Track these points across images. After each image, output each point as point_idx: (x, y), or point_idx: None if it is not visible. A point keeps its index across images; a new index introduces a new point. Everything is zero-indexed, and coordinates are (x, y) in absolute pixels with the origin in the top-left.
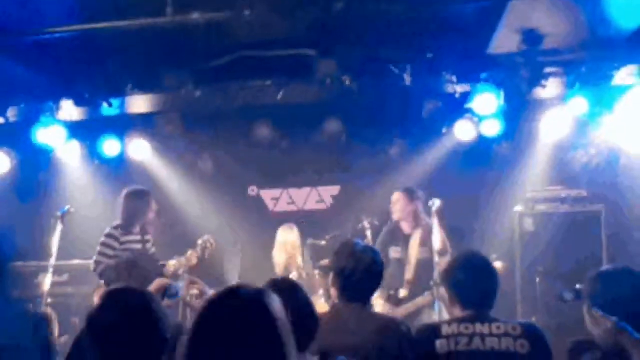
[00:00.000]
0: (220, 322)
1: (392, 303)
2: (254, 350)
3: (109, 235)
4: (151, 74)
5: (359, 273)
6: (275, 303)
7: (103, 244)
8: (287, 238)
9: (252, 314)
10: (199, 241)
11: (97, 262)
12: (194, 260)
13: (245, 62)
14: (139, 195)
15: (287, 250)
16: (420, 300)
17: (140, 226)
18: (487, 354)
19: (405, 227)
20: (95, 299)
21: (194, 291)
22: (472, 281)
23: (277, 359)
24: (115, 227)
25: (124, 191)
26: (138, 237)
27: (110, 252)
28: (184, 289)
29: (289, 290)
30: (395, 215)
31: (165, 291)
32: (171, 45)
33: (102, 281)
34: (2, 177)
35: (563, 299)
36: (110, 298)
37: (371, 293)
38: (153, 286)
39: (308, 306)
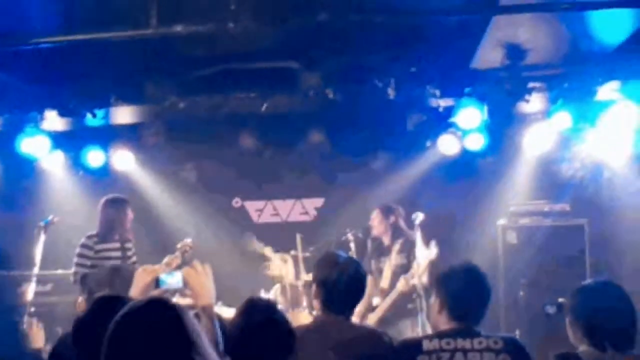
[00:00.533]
0: (131, 342)
1: (369, 311)
2: None
3: (83, 246)
4: (135, 85)
5: (342, 284)
6: (191, 320)
7: (79, 255)
8: (284, 272)
9: (161, 330)
10: (178, 245)
11: (75, 273)
12: (174, 265)
13: (229, 74)
14: (115, 203)
15: (282, 283)
16: (388, 301)
17: (120, 234)
18: None
19: (385, 240)
20: (79, 309)
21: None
22: (465, 293)
23: None
24: (89, 237)
25: (102, 200)
26: (117, 245)
27: (87, 262)
28: (180, 279)
29: (266, 309)
30: (374, 231)
31: (159, 279)
32: (155, 56)
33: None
34: None
35: (546, 312)
36: (97, 305)
37: (354, 304)
38: (142, 275)
39: (285, 324)
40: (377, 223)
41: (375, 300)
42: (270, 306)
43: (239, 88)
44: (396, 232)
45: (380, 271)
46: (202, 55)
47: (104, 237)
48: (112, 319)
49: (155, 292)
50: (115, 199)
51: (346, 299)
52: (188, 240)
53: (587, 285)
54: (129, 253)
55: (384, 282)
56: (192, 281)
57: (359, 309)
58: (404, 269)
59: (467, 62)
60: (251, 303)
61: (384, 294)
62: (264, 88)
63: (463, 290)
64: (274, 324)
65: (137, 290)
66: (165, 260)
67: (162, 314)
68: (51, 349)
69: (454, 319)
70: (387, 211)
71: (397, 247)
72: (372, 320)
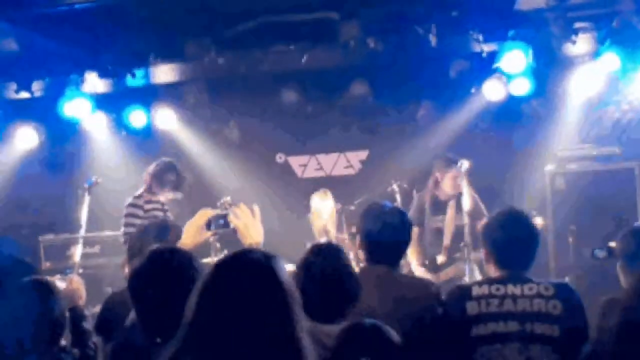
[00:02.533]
0: (226, 286)
1: (430, 270)
2: (258, 316)
3: (132, 205)
4: (174, 43)
5: (386, 235)
6: (283, 270)
7: (129, 215)
8: (322, 206)
9: (257, 279)
10: (218, 204)
11: (126, 234)
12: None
13: (268, 28)
14: (164, 166)
15: (322, 219)
16: (450, 270)
17: (162, 194)
18: (519, 315)
19: (445, 196)
20: (126, 270)
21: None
22: (510, 240)
23: (283, 327)
24: (138, 197)
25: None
26: (159, 206)
27: (137, 221)
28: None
29: (333, 254)
30: (457, 189)
31: (210, 222)
32: (193, 13)
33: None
34: (30, 152)
35: (596, 257)
36: (152, 257)
37: (400, 255)
38: (195, 218)
39: (348, 272)
40: (448, 179)
41: (439, 259)
42: (337, 250)
43: (278, 42)
44: (455, 186)
45: (437, 230)
46: (240, 10)
47: (148, 197)
48: (167, 270)
49: (205, 234)
50: (165, 161)
51: (391, 249)
52: (227, 198)
53: (637, 228)
54: (168, 214)
55: (446, 241)
56: (237, 222)
57: (416, 262)
58: (462, 229)
59: (511, 3)
60: (317, 248)
61: (447, 250)
62: (304, 41)
63: (506, 238)
64: (342, 267)
65: (190, 233)
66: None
67: (259, 257)
68: (102, 306)
69: (502, 267)
70: (452, 162)
71: (453, 203)
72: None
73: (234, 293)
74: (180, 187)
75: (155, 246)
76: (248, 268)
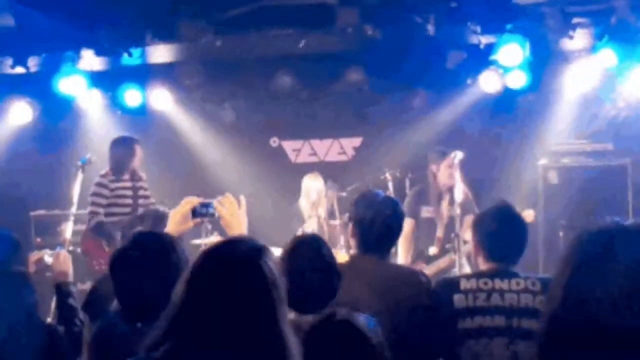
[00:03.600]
0: (212, 277)
1: (423, 261)
2: (242, 308)
3: (99, 185)
4: (171, 23)
5: (378, 223)
6: (268, 263)
7: (96, 194)
8: (312, 186)
9: (243, 271)
10: (215, 201)
11: (92, 213)
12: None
13: (265, 11)
14: (123, 143)
15: (311, 198)
16: (442, 262)
17: (130, 172)
18: (506, 310)
19: (442, 188)
20: (82, 244)
21: None
22: (500, 233)
23: (265, 319)
24: (104, 176)
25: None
26: (129, 184)
27: (103, 201)
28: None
29: (314, 246)
30: (452, 181)
31: (195, 210)
32: None
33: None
34: (24, 127)
35: None
36: (134, 240)
37: (390, 244)
38: (180, 206)
39: (331, 264)
40: (444, 169)
41: (431, 250)
42: (318, 242)
43: (275, 26)
44: (450, 177)
45: (429, 221)
46: None
47: (115, 175)
48: (148, 253)
49: (190, 223)
50: (122, 138)
51: (382, 238)
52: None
53: (629, 226)
54: (141, 192)
55: (439, 232)
56: (223, 211)
57: (404, 254)
58: (454, 221)
59: None
60: (299, 239)
61: (440, 242)
62: (301, 25)
63: (497, 231)
64: (322, 260)
65: (174, 220)
66: None
67: (246, 250)
68: (91, 285)
69: (491, 260)
70: (445, 153)
71: (448, 196)
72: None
73: (219, 284)
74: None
75: (136, 230)
76: (234, 260)
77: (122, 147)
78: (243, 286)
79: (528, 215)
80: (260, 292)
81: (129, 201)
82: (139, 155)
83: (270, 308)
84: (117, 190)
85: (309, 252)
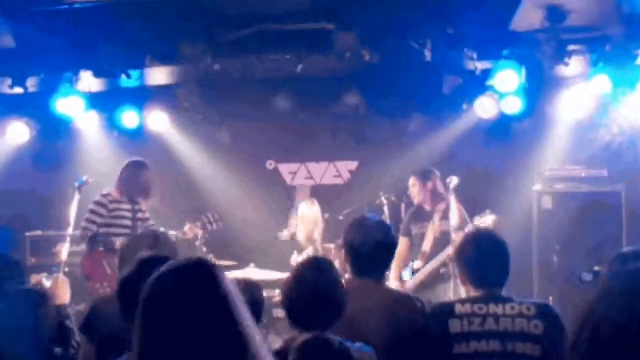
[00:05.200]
0: (166, 295)
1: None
2: (202, 327)
3: (97, 203)
4: (170, 46)
5: (368, 247)
6: (229, 281)
7: (92, 212)
8: (307, 212)
9: (198, 289)
10: (203, 217)
11: (84, 229)
12: (189, 235)
13: (264, 35)
14: (132, 166)
15: (306, 225)
16: (429, 267)
17: (130, 196)
18: (501, 334)
19: (427, 206)
20: (83, 265)
21: None
22: (482, 260)
23: (228, 335)
24: (105, 195)
25: (125, 162)
26: (128, 207)
27: (98, 219)
28: None
29: (326, 268)
30: (415, 200)
31: None
32: (190, 17)
33: (100, 248)
34: (21, 147)
35: (582, 280)
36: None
37: (383, 268)
38: None
39: (340, 286)
40: (416, 191)
41: (416, 264)
42: (329, 265)
43: (273, 49)
44: (436, 196)
45: (421, 236)
46: (237, 16)
47: (117, 197)
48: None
49: None
50: (134, 161)
51: (374, 263)
52: (213, 213)
53: (626, 253)
54: (139, 215)
55: (426, 246)
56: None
57: (396, 272)
58: (446, 238)
59: (506, 23)
60: (314, 260)
61: (425, 257)
62: (299, 49)
63: (478, 258)
64: (335, 283)
65: None
66: (185, 228)
67: (199, 273)
68: (89, 306)
69: (478, 287)
70: (424, 177)
71: (439, 212)
72: (411, 282)
73: (173, 304)
74: (148, 194)
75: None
76: (188, 279)
77: (130, 170)
78: (198, 302)
79: (490, 220)
80: (217, 308)
81: (128, 222)
82: (148, 179)
83: (231, 324)
84: (115, 211)
85: (321, 272)
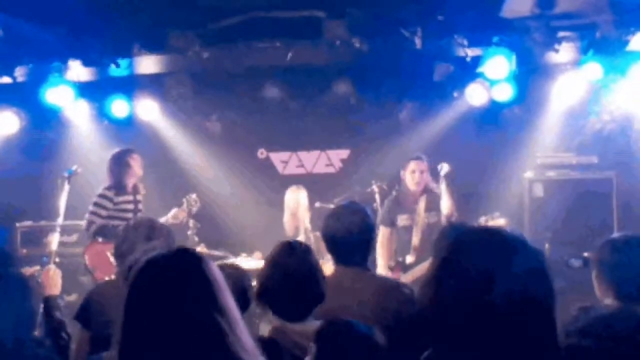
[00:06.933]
0: (150, 283)
1: (399, 269)
2: (183, 313)
3: (102, 196)
4: (159, 35)
5: (343, 232)
6: (213, 269)
7: (96, 204)
8: (294, 199)
9: (181, 277)
10: (184, 199)
11: (90, 222)
12: (180, 217)
13: (253, 23)
14: (117, 159)
15: (293, 212)
16: (426, 265)
17: (132, 186)
18: None
19: (414, 194)
20: (87, 258)
21: None
22: None
23: (208, 321)
24: (108, 188)
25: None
26: (130, 198)
27: (103, 212)
28: None
29: (302, 253)
30: (421, 186)
31: None
32: (179, 5)
33: (99, 238)
34: (10, 137)
35: (571, 266)
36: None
37: (363, 255)
38: None
39: (317, 271)
40: (426, 177)
41: (408, 259)
42: (306, 249)
43: (263, 38)
44: (425, 185)
45: (407, 229)
46: (226, 4)
47: (118, 189)
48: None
49: None
50: (116, 154)
51: (354, 251)
52: (193, 196)
53: (616, 239)
54: (140, 206)
55: (415, 240)
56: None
57: (383, 263)
58: (435, 229)
59: (496, 10)
60: (288, 245)
61: (416, 251)
62: (289, 38)
63: None
64: (308, 266)
65: None
66: (172, 213)
67: (183, 262)
68: (86, 295)
69: None
70: (427, 163)
71: (422, 203)
72: (409, 277)
73: (160, 292)
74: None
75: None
76: (175, 267)
77: (116, 164)
78: (184, 293)
79: (501, 224)
80: (204, 295)
81: (131, 215)
82: (136, 166)
83: (217, 311)
84: (120, 204)
85: (297, 258)
